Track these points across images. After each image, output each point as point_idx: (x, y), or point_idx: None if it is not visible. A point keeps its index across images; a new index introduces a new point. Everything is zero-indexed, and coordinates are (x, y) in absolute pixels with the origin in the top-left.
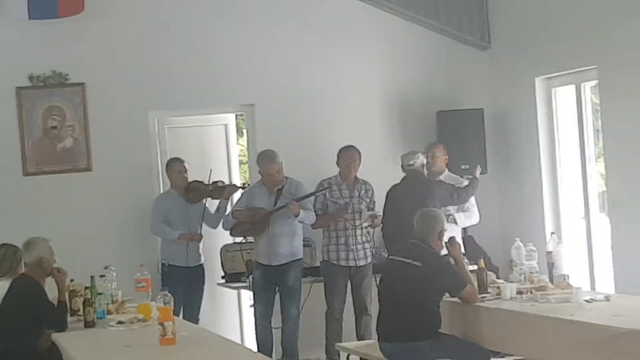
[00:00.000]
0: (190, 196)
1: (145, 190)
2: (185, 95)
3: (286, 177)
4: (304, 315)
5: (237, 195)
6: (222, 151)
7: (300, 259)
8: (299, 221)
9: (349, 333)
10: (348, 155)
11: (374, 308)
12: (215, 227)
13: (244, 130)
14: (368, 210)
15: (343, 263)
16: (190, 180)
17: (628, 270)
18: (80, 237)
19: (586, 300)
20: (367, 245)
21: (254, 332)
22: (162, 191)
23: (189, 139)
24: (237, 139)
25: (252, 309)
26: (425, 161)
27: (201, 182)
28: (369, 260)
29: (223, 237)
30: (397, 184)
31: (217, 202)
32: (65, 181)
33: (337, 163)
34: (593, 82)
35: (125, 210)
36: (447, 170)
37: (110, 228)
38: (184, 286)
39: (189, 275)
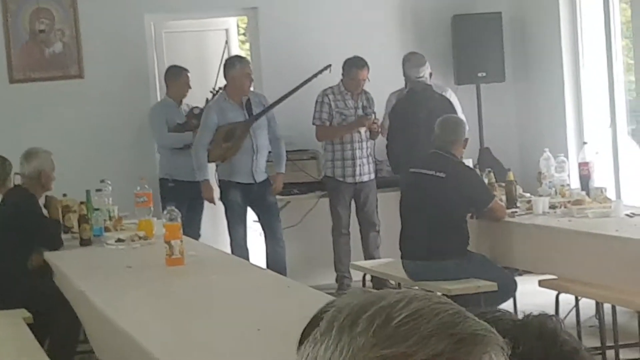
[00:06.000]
0: (194, 121)
1: (141, 98)
2: None
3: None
4: (310, 237)
5: None
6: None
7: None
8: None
9: (356, 252)
10: (360, 74)
11: (382, 224)
12: None
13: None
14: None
15: (349, 180)
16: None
17: None
18: (71, 149)
19: (627, 215)
20: (370, 159)
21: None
22: (159, 99)
23: (187, 45)
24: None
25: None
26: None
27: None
28: (373, 176)
29: None
30: (403, 98)
31: None
32: (54, 89)
33: (344, 74)
34: None
35: (119, 120)
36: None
37: (103, 139)
38: (188, 203)
39: (195, 190)
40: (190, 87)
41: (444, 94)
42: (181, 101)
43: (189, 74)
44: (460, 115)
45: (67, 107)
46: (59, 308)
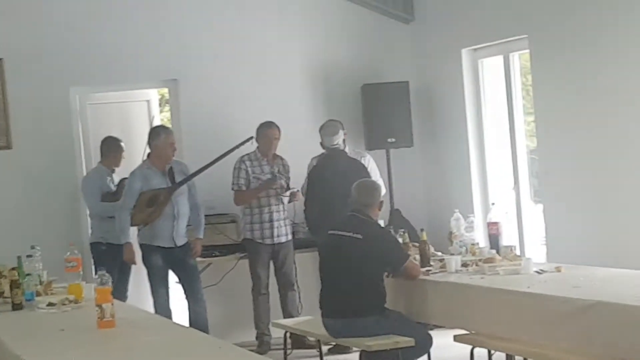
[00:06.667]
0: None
1: (67, 167)
2: (106, 71)
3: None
4: (230, 296)
5: None
6: (145, 127)
7: None
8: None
9: (275, 311)
10: (270, 133)
11: (300, 283)
12: None
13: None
14: (286, 185)
15: (268, 241)
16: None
17: (560, 240)
18: (1, 217)
19: (536, 272)
20: (287, 221)
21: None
22: (85, 168)
23: (110, 116)
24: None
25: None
26: (344, 136)
27: None
28: (290, 237)
29: None
30: (319, 164)
31: None
32: None
33: (257, 139)
34: (522, 52)
35: (47, 189)
36: (346, 147)
37: (32, 207)
38: (118, 265)
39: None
40: (124, 157)
41: (362, 159)
42: (113, 170)
43: (121, 147)
44: (378, 179)
45: None
46: None
